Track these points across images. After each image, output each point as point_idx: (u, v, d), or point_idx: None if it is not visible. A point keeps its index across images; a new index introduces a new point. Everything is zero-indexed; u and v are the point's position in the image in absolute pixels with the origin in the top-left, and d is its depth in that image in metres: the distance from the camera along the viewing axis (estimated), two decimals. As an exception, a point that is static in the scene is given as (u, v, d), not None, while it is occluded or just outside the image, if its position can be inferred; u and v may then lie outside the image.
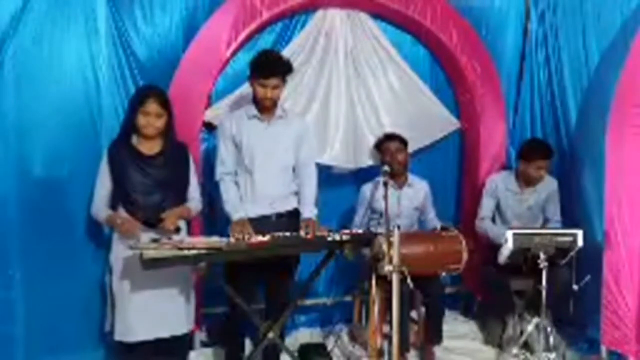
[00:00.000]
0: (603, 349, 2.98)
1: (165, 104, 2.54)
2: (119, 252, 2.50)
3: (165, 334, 2.53)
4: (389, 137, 3.21)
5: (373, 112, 3.43)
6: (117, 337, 2.51)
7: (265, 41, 3.27)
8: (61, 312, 2.64)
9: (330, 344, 3.12)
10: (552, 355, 2.75)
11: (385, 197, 2.59)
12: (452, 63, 3.57)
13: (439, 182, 3.62)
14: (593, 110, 3.15)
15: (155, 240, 2.37)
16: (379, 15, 3.46)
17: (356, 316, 3.31)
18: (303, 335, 3.36)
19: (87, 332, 2.76)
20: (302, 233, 2.58)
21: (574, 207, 3.26)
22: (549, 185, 3.29)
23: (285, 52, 3.14)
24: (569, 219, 3.26)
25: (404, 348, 2.87)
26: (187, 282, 2.61)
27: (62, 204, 2.67)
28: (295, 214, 2.76)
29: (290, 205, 2.76)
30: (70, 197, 2.68)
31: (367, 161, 3.41)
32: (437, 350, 3.07)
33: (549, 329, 2.77)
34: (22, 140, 2.58)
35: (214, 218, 3.05)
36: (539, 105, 3.67)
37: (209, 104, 3.14)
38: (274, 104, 2.69)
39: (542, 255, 2.69)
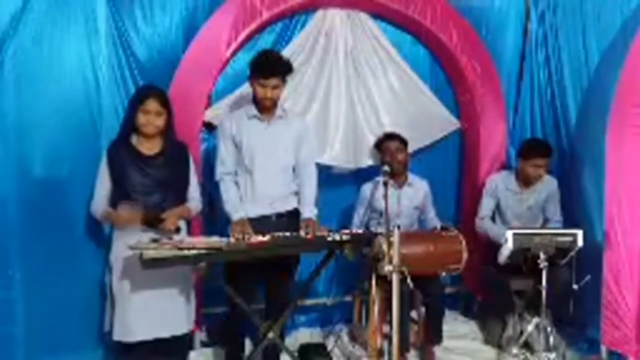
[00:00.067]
0: (603, 349, 2.99)
1: (165, 103, 2.54)
2: (119, 252, 2.50)
3: (164, 334, 2.53)
4: (389, 137, 3.21)
5: (373, 112, 3.43)
6: (116, 337, 2.51)
7: (265, 41, 3.27)
8: (61, 312, 2.64)
9: (330, 344, 3.12)
10: (552, 355, 2.76)
11: (386, 196, 2.59)
12: (452, 63, 3.57)
13: (439, 182, 3.62)
14: (593, 110, 3.16)
15: (155, 240, 2.36)
16: (379, 15, 3.46)
17: (356, 316, 3.31)
18: (303, 335, 3.36)
19: (87, 332, 2.75)
20: (302, 233, 2.58)
21: (574, 207, 3.26)
22: (548, 185, 3.29)
23: (285, 52, 3.14)
24: (569, 219, 3.26)
25: (404, 348, 2.87)
26: (187, 282, 2.61)
27: (62, 204, 2.67)
28: (295, 214, 2.76)
29: (290, 205, 2.76)
30: (70, 197, 2.68)
31: (367, 161, 3.41)
32: (437, 350, 3.07)
33: (549, 329, 2.78)
34: (22, 140, 2.57)
35: (214, 218, 3.05)
36: (539, 105, 3.67)
37: (209, 104, 3.14)
38: (274, 104, 2.69)
39: (542, 255, 2.69)
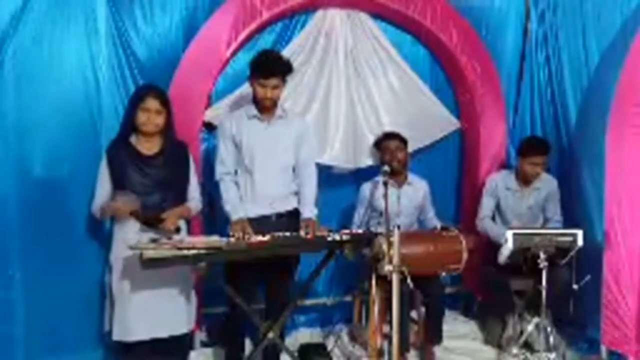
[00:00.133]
0: (603, 349, 2.99)
1: (164, 101, 2.54)
2: (119, 252, 2.50)
3: (164, 333, 2.53)
4: (389, 136, 3.21)
5: (373, 112, 3.43)
6: (116, 337, 2.51)
7: (265, 41, 3.27)
8: (61, 312, 2.64)
9: (330, 344, 3.12)
10: (552, 355, 2.76)
11: (386, 196, 2.59)
12: (452, 63, 3.57)
13: (439, 181, 3.62)
14: (593, 110, 3.16)
15: (154, 240, 2.36)
16: (379, 15, 3.46)
17: (356, 316, 3.31)
18: (303, 335, 3.36)
19: (87, 332, 2.75)
20: (302, 233, 2.58)
21: (574, 207, 3.26)
22: (548, 184, 3.29)
23: (285, 52, 3.14)
24: (569, 219, 3.26)
25: (404, 348, 2.87)
26: (187, 282, 2.61)
27: (62, 204, 2.67)
28: (295, 213, 2.76)
29: (290, 205, 2.76)
30: (70, 197, 2.68)
31: (367, 161, 3.41)
32: (437, 350, 3.06)
33: (549, 329, 2.78)
34: (22, 140, 2.57)
35: (213, 218, 3.05)
36: (539, 105, 3.67)
37: (209, 104, 3.14)
38: (274, 104, 2.68)
39: (542, 255, 2.69)
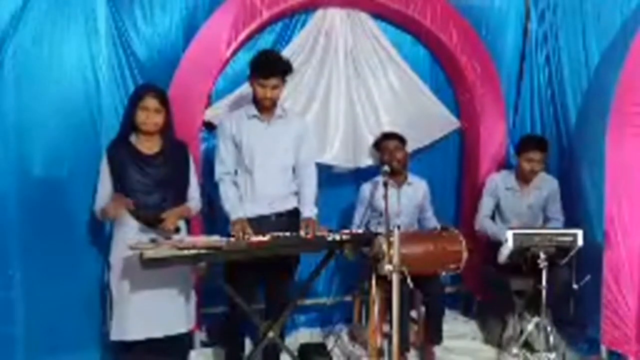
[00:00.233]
0: (603, 349, 2.99)
1: (163, 101, 2.54)
2: (119, 252, 2.49)
3: (163, 333, 2.53)
4: (388, 136, 3.21)
5: (373, 111, 3.43)
6: (115, 336, 2.51)
7: (265, 41, 3.27)
8: (61, 312, 2.64)
9: (330, 343, 3.12)
10: (552, 355, 2.76)
11: (386, 197, 2.59)
12: (452, 63, 3.57)
13: (439, 181, 3.63)
14: (593, 110, 3.16)
15: (154, 240, 2.37)
16: (379, 15, 3.46)
17: (356, 316, 3.31)
18: (303, 335, 3.36)
19: (87, 332, 2.76)
20: (302, 233, 2.58)
21: (574, 207, 3.26)
22: (549, 184, 3.29)
23: (285, 52, 3.14)
24: (569, 219, 3.26)
25: (404, 348, 2.87)
26: (186, 282, 2.61)
27: (62, 204, 2.67)
28: (295, 213, 2.76)
29: (289, 205, 2.76)
30: (70, 197, 2.68)
31: (367, 161, 3.41)
32: (437, 350, 3.07)
33: (549, 329, 2.78)
34: (22, 140, 2.58)
35: (213, 218, 3.05)
36: (538, 105, 3.67)
37: (209, 104, 3.14)
38: (274, 103, 2.69)
39: (542, 255, 2.69)
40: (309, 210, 2.72)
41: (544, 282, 2.71)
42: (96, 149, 2.68)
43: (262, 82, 2.60)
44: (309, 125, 2.94)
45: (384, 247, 2.46)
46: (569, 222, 3.22)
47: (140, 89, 2.60)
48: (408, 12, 3.37)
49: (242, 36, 3.09)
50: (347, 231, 2.71)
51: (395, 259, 2.35)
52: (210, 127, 3.15)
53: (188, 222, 2.74)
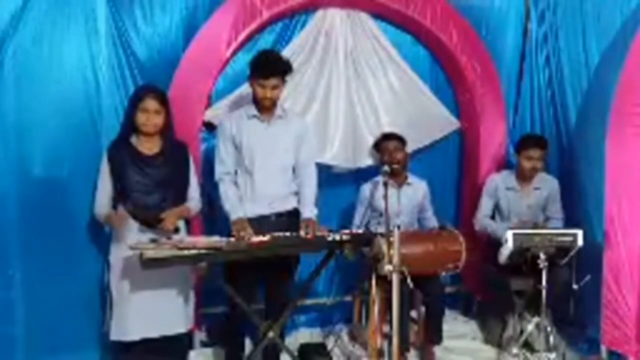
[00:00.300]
0: (603, 349, 2.98)
1: (163, 101, 2.55)
2: (119, 252, 2.50)
3: (163, 333, 2.53)
4: (387, 137, 3.21)
5: (373, 112, 3.43)
6: (114, 336, 2.52)
7: (265, 41, 3.27)
8: (61, 312, 2.65)
9: (330, 344, 3.12)
10: (552, 355, 2.75)
11: (386, 197, 2.59)
12: (452, 63, 3.57)
13: (439, 181, 3.62)
14: (593, 110, 3.16)
15: (154, 240, 2.37)
16: (379, 15, 3.46)
17: (356, 316, 3.31)
18: (303, 335, 3.36)
19: (87, 332, 2.76)
20: (302, 233, 2.58)
21: (574, 207, 3.26)
22: (549, 184, 3.29)
23: (285, 52, 3.14)
24: (569, 219, 3.26)
25: (404, 348, 2.87)
26: (186, 282, 2.62)
27: (62, 204, 2.67)
28: (295, 213, 2.76)
29: (289, 205, 2.76)
30: (70, 197, 2.69)
31: (367, 161, 3.41)
32: (437, 350, 3.07)
33: (549, 329, 2.77)
34: (22, 140, 2.58)
35: (213, 218, 3.05)
36: (538, 105, 3.67)
37: (209, 104, 3.14)
38: (274, 104, 2.69)
39: (542, 255, 2.69)
40: (309, 211, 2.72)
41: (544, 282, 2.70)
42: (96, 149, 2.69)
43: (262, 82, 2.60)
44: (309, 126, 2.94)
45: (384, 247, 2.46)
46: (569, 222, 3.22)
47: (140, 90, 2.60)
48: (408, 12, 3.37)
49: (242, 36, 3.09)
50: (347, 231, 2.70)
51: (395, 259, 2.35)
52: (210, 127, 3.15)
53: (188, 222, 2.74)
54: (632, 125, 2.86)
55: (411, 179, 3.25)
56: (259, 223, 2.65)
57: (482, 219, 3.31)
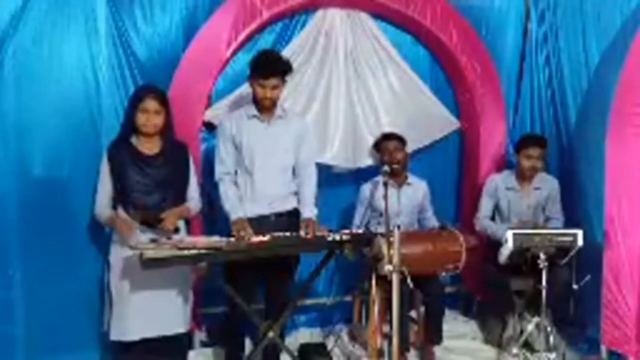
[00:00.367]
0: (603, 349, 2.98)
1: (163, 101, 2.55)
2: (118, 252, 2.50)
3: (163, 333, 2.53)
4: (387, 137, 3.21)
5: (373, 112, 3.43)
6: (114, 336, 2.52)
7: (265, 41, 3.27)
8: (61, 312, 2.65)
9: (330, 344, 3.12)
10: (552, 355, 2.75)
11: (386, 197, 2.59)
12: (452, 63, 3.57)
13: (439, 181, 3.62)
14: (593, 110, 3.16)
15: (154, 240, 2.37)
16: (379, 15, 3.46)
17: (356, 316, 3.31)
18: (303, 335, 3.35)
19: (87, 332, 2.76)
20: (302, 233, 2.58)
21: (574, 207, 3.26)
22: (549, 184, 3.29)
23: (285, 52, 3.14)
24: (569, 219, 3.26)
25: (404, 348, 2.87)
26: (186, 282, 2.62)
27: (62, 204, 2.67)
28: (294, 213, 2.76)
29: (289, 205, 2.76)
30: (71, 197, 2.69)
31: (367, 161, 3.41)
32: (437, 350, 3.06)
33: (549, 329, 2.77)
34: (22, 140, 2.58)
35: (213, 218, 3.05)
36: (538, 105, 3.67)
37: (208, 104, 3.14)
38: (274, 104, 2.69)
39: (542, 255, 2.69)
40: (309, 211, 2.72)
41: (544, 282, 2.70)
42: (96, 149, 2.69)
43: (262, 82, 2.60)
44: (309, 126, 2.94)
45: (384, 247, 2.46)
46: (569, 222, 3.22)
47: (140, 90, 2.60)
48: (408, 12, 3.37)
49: (242, 36, 3.09)
50: (347, 231, 2.70)
51: (395, 259, 2.35)
52: (210, 127, 3.15)
53: (188, 222, 2.74)
54: (632, 125, 2.86)
55: (411, 179, 3.25)
56: (259, 223, 2.65)
57: (483, 219, 3.31)
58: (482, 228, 3.29)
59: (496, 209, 3.36)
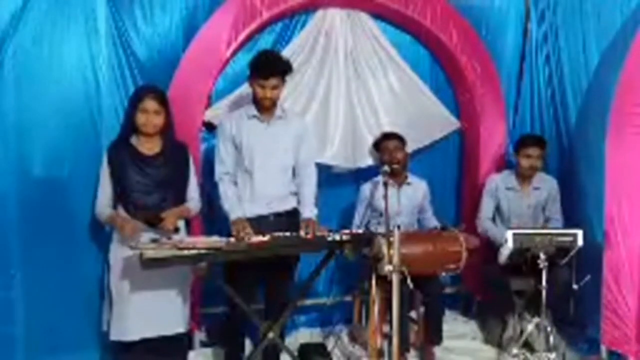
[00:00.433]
0: (603, 349, 2.98)
1: (163, 101, 2.55)
2: (118, 252, 2.50)
3: (162, 333, 2.53)
4: (387, 136, 3.21)
5: (372, 112, 3.43)
6: (113, 336, 2.52)
7: (265, 41, 3.27)
8: (61, 312, 2.65)
9: (330, 344, 3.11)
10: (552, 355, 2.75)
11: (386, 197, 2.59)
12: (452, 63, 3.57)
13: (439, 181, 3.62)
14: (593, 110, 3.16)
15: (154, 240, 2.37)
16: (379, 15, 3.46)
17: (356, 316, 3.31)
18: (303, 335, 3.35)
19: (87, 332, 2.76)
20: (302, 233, 2.58)
21: (574, 207, 3.26)
22: (548, 184, 3.29)
23: (285, 52, 3.14)
24: (569, 219, 3.26)
25: (404, 348, 2.87)
26: (185, 282, 2.62)
27: (62, 204, 2.67)
28: (294, 213, 2.76)
29: (288, 205, 2.76)
30: (71, 197, 2.68)
31: (367, 161, 3.41)
32: (437, 350, 3.06)
33: (549, 329, 2.77)
34: (22, 140, 2.58)
35: (213, 218, 3.05)
36: (538, 105, 3.67)
37: (208, 104, 3.14)
38: (274, 104, 2.69)
39: (542, 255, 2.69)
40: (309, 211, 2.71)
41: (544, 282, 2.70)
42: (96, 149, 2.69)
43: (261, 83, 2.60)
44: (309, 126, 2.94)
45: (384, 247, 2.46)
46: (569, 222, 3.22)
47: (140, 90, 2.60)
48: (408, 12, 3.37)
49: (242, 36, 3.09)
50: (347, 231, 2.70)
51: (395, 259, 2.35)
52: (210, 127, 3.15)
53: (188, 222, 2.74)
54: (632, 125, 2.86)
55: (411, 178, 3.25)
56: (258, 223, 2.65)
57: (484, 220, 3.31)
58: (484, 230, 3.29)
59: (496, 209, 3.36)
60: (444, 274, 3.04)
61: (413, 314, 3.16)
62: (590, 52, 3.26)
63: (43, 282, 2.61)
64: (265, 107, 2.67)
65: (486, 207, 3.33)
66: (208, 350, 3.13)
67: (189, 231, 2.76)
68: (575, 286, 2.77)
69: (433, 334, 3.05)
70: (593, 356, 3.02)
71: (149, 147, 2.57)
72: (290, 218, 2.74)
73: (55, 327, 2.63)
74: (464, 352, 3.15)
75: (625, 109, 2.87)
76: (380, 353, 2.81)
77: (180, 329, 2.59)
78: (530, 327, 2.87)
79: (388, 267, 2.37)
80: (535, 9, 3.62)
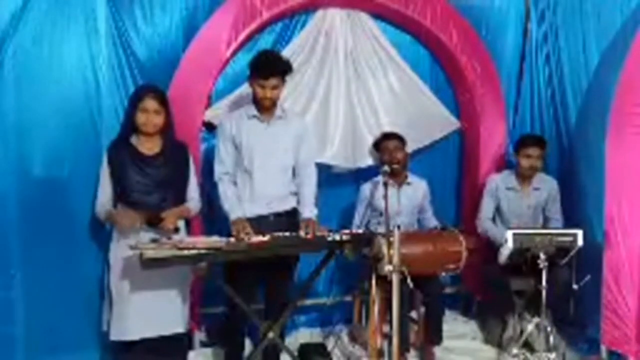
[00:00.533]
0: (603, 349, 2.98)
1: (163, 101, 2.55)
2: (118, 252, 2.50)
3: (162, 333, 2.53)
4: (387, 136, 3.21)
5: (372, 112, 3.43)
6: (113, 336, 2.51)
7: (265, 41, 3.27)
8: (61, 312, 2.64)
9: (330, 344, 3.12)
10: (552, 355, 2.75)
11: (386, 197, 2.59)
12: (452, 63, 3.57)
13: (439, 181, 3.63)
14: (593, 110, 3.16)
15: (154, 240, 2.37)
16: (379, 15, 3.46)
17: (356, 316, 3.31)
18: (303, 335, 3.35)
19: (87, 332, 2.75)
20: (302, 233, 2.58)
21: (574, 207, 3.26)
22: (548, 185, 3.29)
23: (285, 52, 3.14)
24: (569, 219, 3.26)
25: (404, 348, 2.87)
26: (185, 282, 2.61)
27: (62, 204, 2.67)
28: (293, 213, 2.76)
29: (288, 205, 2.76)
30: (71, 197, 2.68)
31: (367, 161, 3.41)
32: (437, 350, 3.06)
33: (549, 329, 2.77)
34: (22, 140, 2.58)
35: (212, 218, 3.05)
36: (538, 105, 3.67)
37: (208, 104, 3.14)
38: (274, 104, 2.69)
39: (542, 255, 2.69)
40: (309, 211, 2.71)
41: (544, 282, 2.70)
42: (96, 149, 2.69)
43: (261, 83, 2.60)
44: (309, 126, 2.94)
45: (384, 247, 2.46)
46: (569, 222, 3.22)
47: (140, 90, 2.60)
48: (408, 12, 3.37)
49: (242, 36, 3.09)
50: (347, 231, 2.70)
51: (395, 259, 2.35)
52: (210, 127, 3.15)
53: (188, 222, 2.74)
54: (632, 125, 2.86)
55: (411, 178, 3.25)
56: (258, 223, 2.65)
57: (485, 221, 3.31)
58: (484, 230, 3.29)
59: (496, 209, 3.36)
60: (444, 274, 3.04)
61: (413, 314, 3.16)
62: (590, 52, 3.26)
63: (43, 282, 2.61)
64: (265, 107, 2.67)
65: (486, 207, 3.33)
66: (208, 350, 3.14)
67: (189, 231, 2.76)
68: (575, 286, 2.77)
69: (433, 334, 3.05)
70: (593, 356, 3.02)
71: (149, 147, 2.57)
72: (290, 218, 2.74)
73: (55, 327, 2.63)
74: (464, 352, 3.15)
75: (625, 109, 2.87)
76: (380, 353, 2.81)
77: (180, 329, 2.59)
78: (530, 327, 2.87)
79: (388, 267, 2.37)
80: (535, 9, 3.62)
